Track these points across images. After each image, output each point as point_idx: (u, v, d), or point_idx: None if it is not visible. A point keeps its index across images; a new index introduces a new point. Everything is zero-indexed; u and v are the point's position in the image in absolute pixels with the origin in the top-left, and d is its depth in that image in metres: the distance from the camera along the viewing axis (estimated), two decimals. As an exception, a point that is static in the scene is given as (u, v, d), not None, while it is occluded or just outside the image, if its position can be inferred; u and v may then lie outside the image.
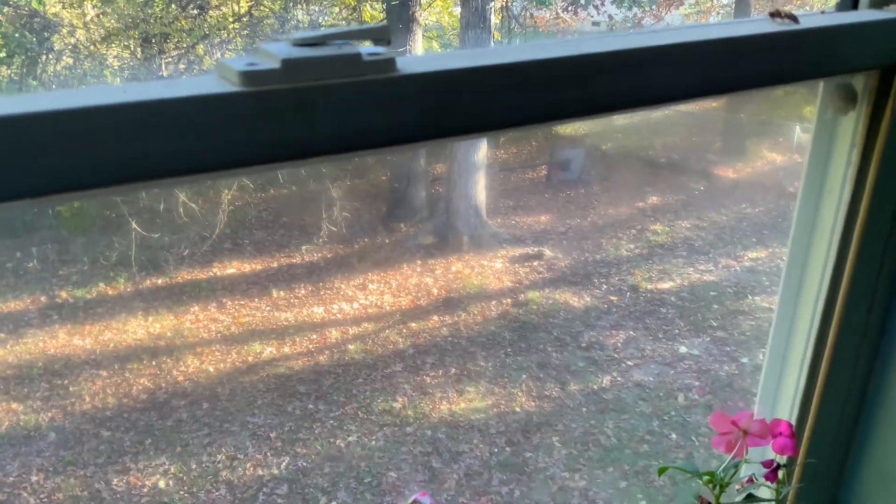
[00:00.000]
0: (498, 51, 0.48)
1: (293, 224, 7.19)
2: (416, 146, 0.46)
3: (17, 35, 6.24)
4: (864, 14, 0.65)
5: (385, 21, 7.11)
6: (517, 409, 4.52)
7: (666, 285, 5.86)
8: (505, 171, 8.61)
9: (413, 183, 7.44)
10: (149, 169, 0.39)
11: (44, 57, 6.42)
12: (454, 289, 6.01)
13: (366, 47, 0.43)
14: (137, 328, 5.52)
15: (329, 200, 6.89)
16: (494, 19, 7.16)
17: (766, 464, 0.64)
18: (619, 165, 8.32)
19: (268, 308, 5.82)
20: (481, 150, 6.95)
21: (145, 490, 3.98)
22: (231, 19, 7.04)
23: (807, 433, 0.78)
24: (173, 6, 6.61)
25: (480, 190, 6.97)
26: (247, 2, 7.14)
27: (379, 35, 0.44)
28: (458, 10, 7.65)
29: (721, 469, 0.61)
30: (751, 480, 0.65)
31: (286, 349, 5.27)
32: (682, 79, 0.55)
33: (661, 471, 0.63)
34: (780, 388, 0.80)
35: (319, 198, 6.97)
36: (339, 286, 6.09)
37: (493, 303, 5.73)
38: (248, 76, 0.40)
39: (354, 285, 6.10)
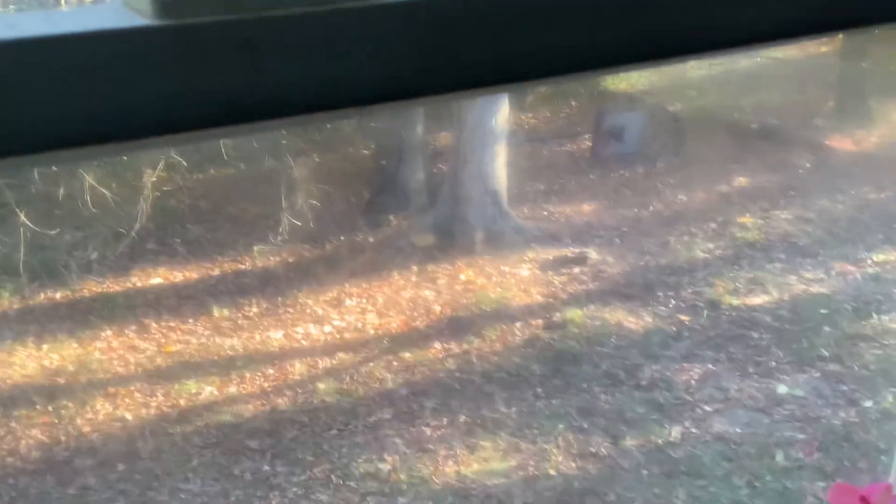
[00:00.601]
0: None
1: (241, 216, 7.19)
2: (407, 105, 0.45)
3: None
4: None
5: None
6: (552, 473, 4.50)
7: (758, 300, 5.84)
8: (534, 141, 8.60)
9: (406, 159, 7.44)
10: (18, 138, 0.37)
11: None
12: (463, 305, 5.99)
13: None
14: (27, 360, 5.52)
15: (291, 183, 6.90)
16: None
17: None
18: (692, 134, 8.30)
19: (206, 332, 5.82)
20: (501, 112, 6.94)
21: (38, 584, 3.98)
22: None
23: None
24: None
25: (499, 168, 6.97)
26: None
27: (353, -55, 0.43)
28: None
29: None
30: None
31: (232, 389, 5.27)
32: (783, 7, 0.53)
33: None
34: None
35: (278, 179, 6.98)
36: (304, 302, 6.09)
37: (518, 324, 5.72)
38: (166, 4, 0.39)
39: (326, 301, 6.09)
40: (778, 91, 9.16)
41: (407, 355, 5.48)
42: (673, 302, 5.86)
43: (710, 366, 5.21)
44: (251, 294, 6.24)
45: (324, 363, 5.47)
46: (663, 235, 6.75)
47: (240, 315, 5.99)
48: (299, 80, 0.42)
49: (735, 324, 5.60)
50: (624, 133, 8.14)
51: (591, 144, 8.40)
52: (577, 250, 6.57)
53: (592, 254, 6.51)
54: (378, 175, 7.69)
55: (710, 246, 6.57)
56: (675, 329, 5.58)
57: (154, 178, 6.73)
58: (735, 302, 5.82)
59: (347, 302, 6.07)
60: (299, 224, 6.70)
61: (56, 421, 5.01)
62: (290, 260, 6.68)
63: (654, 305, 5.83)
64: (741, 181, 7.60)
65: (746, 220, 6.91)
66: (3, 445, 4.83)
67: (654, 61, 0.51)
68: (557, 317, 5.78)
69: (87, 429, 4.96)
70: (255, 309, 6.05)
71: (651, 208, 7.24)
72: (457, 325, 5.77)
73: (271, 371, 5.41)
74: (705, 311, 5.74)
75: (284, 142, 7.15)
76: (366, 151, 8.42)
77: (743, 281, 6.06)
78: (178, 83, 0.39)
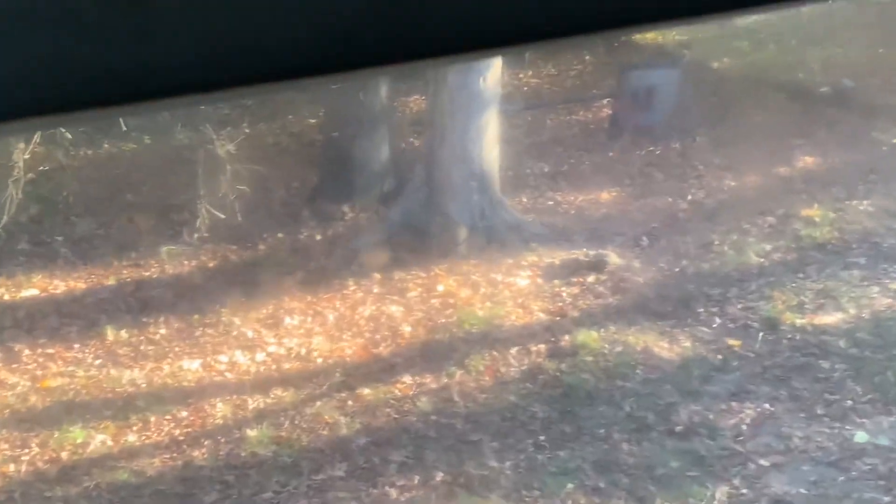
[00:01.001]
0: None
1: (145, 207, 7.15)
2: (351, 76, 0.44)
3: None
4: None
5: None
6: (558, 548, 4.51)
7: (830, 319, 5.88)
8: (535, 108, 8.61)
9: (366, 130, 7.42)
10: None
11: None
12: (441, 325, 5.99)
13: None
14: None
15: (212, 163, 6.87)
16: None
17: None
18: (744, 99, 8.35)
19: (98, 362, 5.78)
20: (492, 70, 6.95)
21: None
22: None
23: None
24: None
25: (489, 144, 6.98)
26: None
27: None
28: None
29: None
30: None
31: (132, 438, 5.24)
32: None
33: None
34: None
35: (194, 158, 6.95)
36: (229, 321, 6.07)
37: (514, 351, 5.73)
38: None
39: (258, 319, 6.07)
40: (856, 43, 9.23)
41: (366, 392, 5.47)
42: (718, 321, 5.88)
43: (766, 406, 5.23)
44: (158, 311, 6.20)
45: (255, 403, 5.45)
46: (705, 233, 6.78)
47: (143, 339, 5.95)
48: (206, 47, 0.41)
49: (799, 350, 5.63)
50: (654, 97, 8.17)
51: (610, 112, 8.43)
52: (592, 253, 6.58)
53: (612, 257, 6.52)
54: (328, 152, 7.67)
55: (767, 247, 6.61)
56: (720, 357, 5.59)
57: (27, 156, 6.68)
58: (799, 321, 5.85)
59: (287, 321, 6.04)
60: (223, 217, 6.67)
61: None
62: (211, 265, 6.65)
63: (693, 326, 5.84)
64: (807, 162, 7.66)
65: (814, 213, 6.96)
66: None
67: (698, 17, 0.50)
68: (566, 341, 5.78)
69: (-64, 492, 4.91)
70: (163, 330, 6.01)
71: (689, 197, 7.27)
72: (433, 353, 5.76)
73: (185, 413, 5.38)
74: (760, 334, 5.76)
75: (203, 107, 7.12)
76: (312, 120, 8.41)
77: (810, 294, 6.10)
78: (44, 51, 0.39)
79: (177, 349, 5.85)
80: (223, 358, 5.78)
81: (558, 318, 6.03)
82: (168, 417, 5.36)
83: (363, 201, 7.24)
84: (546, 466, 4.92)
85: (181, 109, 6.97)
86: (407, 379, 5.56)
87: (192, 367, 5.72)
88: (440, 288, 6.32)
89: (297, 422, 5.29)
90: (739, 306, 6.01)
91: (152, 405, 5.44)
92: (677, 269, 6.42)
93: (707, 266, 6.45)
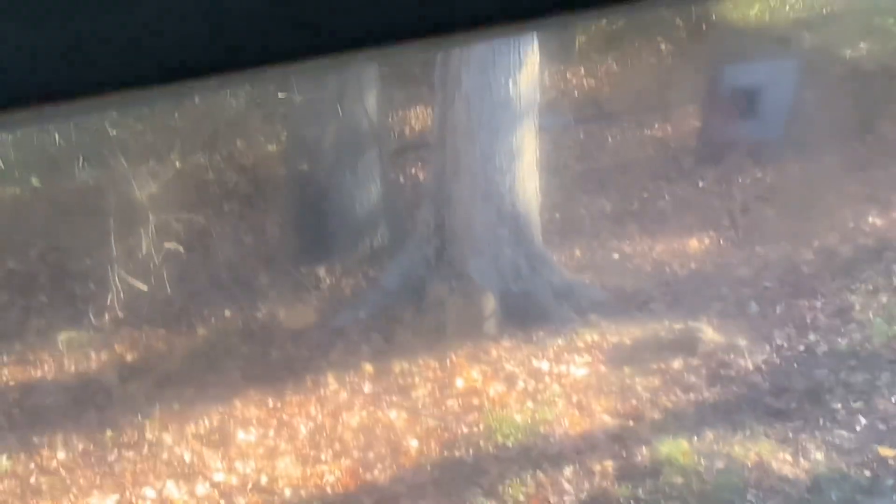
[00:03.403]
0: None
1: (33, 276, 7.15)
2: (302, 65, 0.47)
3: None
4: None
5: None
6: None
7: None
8: (591, 121, 8.61)
9: (348, 159, 7.42)
10: None
11: None
12: (464, 438, 5.97)
13: None
14: None
15: (129, 211, 6.88)
16: None
17: None
18: (890, 101, 8.33)
19: (-31, 502, 5.78)
20: (526, 65, 6.96)
21: None
22: None
23: None
24: None
25: (526, 174, 6.97)
26: None
27: None
28: None
29: None
30: None
31: None
32: None
33: None
34: None
35: (103, 204, 6.96)
36: (157, 438, 6.05)
37: (569, 471, 5.71)
38: None
39: (198, 435, 6.05)
40: None
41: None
42: (864, 422, 5.84)
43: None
44: (55, 426, 6.19)
45: (196, 556, 5.44)
46: (842, 294, 6.75)
47: (33, 467, 5.94)
48: (106, 61, 0.43)
49: None
50: (761, 101, 8.18)
51: (699, 124, 8.44)
52: (677, 327, 6.57)
53: (708, 332, 6.50)
54: (295, 192, 7.68)
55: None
56: (869, 474, 5.56)
57: None
58: None
59: (241, 437, 6.03)
60: (144, 289, 6.68)
61: None
62: (129, 359, 6.64)
63: (827, 429, 5.81)
64: None
65: None
66: None
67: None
68: (644, 455, 5.76)
69: None
70: (61, 455, 6.00)
71: (817, 243, 7.25)
72: (451, 478, 5.74)
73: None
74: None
75: (114, 132, 7.16)
76: (270, 147, 8.42)
77: None
78: None
79: (82, 482, 5.83)
80: (149, 492, 5.76)
81: (631, 423, 6.00)
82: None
83: (346, 261, 7.24)
84: None
85: (83, 132, 7.00)
86: (414, 516, 5.55)
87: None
88: (459, 383, 6.30)
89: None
90: (895, 399, 5.97)
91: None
92: (802, 348, 6.39)
93: (845, 342, 6.41)
